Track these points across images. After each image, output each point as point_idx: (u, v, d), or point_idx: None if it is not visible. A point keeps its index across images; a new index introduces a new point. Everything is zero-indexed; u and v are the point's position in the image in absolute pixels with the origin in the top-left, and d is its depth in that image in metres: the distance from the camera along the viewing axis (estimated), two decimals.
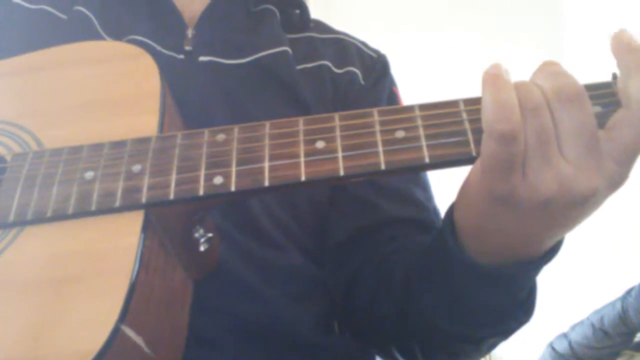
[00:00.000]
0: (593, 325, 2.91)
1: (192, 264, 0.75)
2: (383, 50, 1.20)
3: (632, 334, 2.89)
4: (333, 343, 0.98)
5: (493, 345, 0.81)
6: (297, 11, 1.13)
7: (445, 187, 1.08)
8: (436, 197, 1.05)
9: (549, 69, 0.64)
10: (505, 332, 0.76)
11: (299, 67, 1.05)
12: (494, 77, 0.62)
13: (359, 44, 1.17)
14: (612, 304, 2.92)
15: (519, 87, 0.62)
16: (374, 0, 3.65)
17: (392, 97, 1.12)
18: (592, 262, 3.10)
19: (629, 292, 2.89)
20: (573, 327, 3.01)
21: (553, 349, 3.03)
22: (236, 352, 0.87)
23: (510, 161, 0.60)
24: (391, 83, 1.15)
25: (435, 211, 1.03)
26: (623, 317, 2.85)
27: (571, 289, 3.11)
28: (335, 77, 1.08)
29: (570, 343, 2.97)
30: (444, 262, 0.74)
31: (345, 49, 1.14)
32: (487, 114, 0.61)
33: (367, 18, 3.34)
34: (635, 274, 2.93)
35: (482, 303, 0.74)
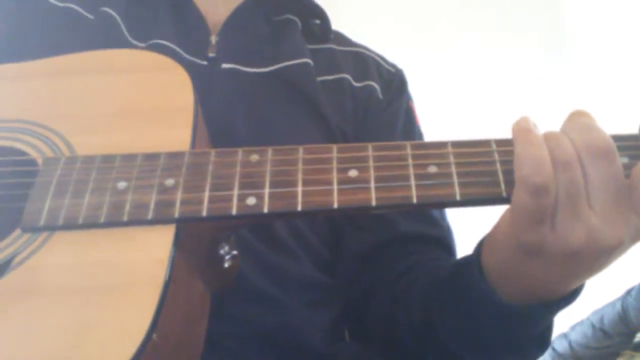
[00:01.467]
0: (593, 325, 2.92)
1: (213, 278, 0.76)
2: (382, 51, 1.21)
3: (632, 334, 2.90)
4: (344, 350, 0.99)
5: None
6: (318, 22, 1.14)
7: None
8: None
9: (580, 120, 0.65)
10: None
11: (320, 78, 1.07)
12: (525, 132, 0.64)
13: (378, 58, 1.18)
14: (612, 304, 2.92)
15: (550, 139, 0.64)
16: (377, 1, 3.62)
17: (409, 112, 1.14)
18: None
19: (629, 292, 2.89)
20: (573, 327, 3.02)
21: (553, 349, 3.04)
22: (249, 358, 0.88)
23: (540, 213, 0.62)
24: (408, 98, 1.16)
25: (448, 229, 1.05)
26: (623, 317, 2.86)
27: None
28: (354, 91, 1.09)
29: (570, 343, 2.99)
30: (467, 298, 0.75)
31: (365, 62, 1.15)
32: (520, 167, 0.62)
33: (369, 19, 3.33)
34: (635, 274, 2.93)
35: (501, 337, 0.75)
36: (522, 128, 0.65)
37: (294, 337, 0.92)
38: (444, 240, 1.02)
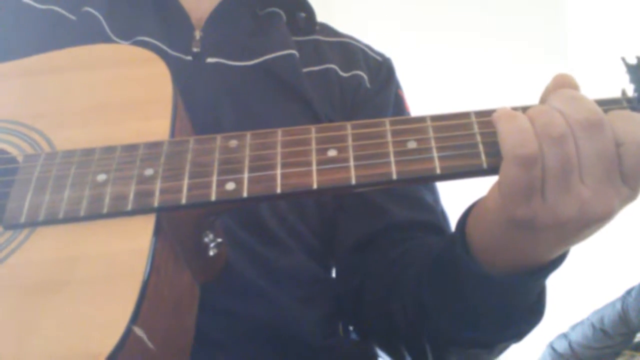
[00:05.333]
0: (593, 325, 2.92)
1: (200, 268, 0.75)
2: (383, 50, 1.21)
3: (632, 334, 2.90)
4: (337, 345, 0.98)
5: (505, 348, 0.82)
6: (303, 14, 1.14)
7: (450, 190, 1.09)
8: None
9: (567, 93, 0.64)
10: (518, 335, 0.77)
11: (306, 70, 1.06)
12: (506, 111, 0.65)
13: (364, 48, 1.18)
14: (612, 304, 2.92)
15: (541, 114, 0.63)
16: (374, 1, 3.64)
17: (398, 100, 1.13)
18: (592, 262, 3.11)
19: (629, 292, 2.90)
20: (573, 327, 3.03)
21: (553, 349, 3.04)
22: (241, 353, 0.88)
23: (530, 186, 0.61)
24: (397, 86, 1.16)
25: (443, 214, 1.04)
26: (623, 317, 2.86)
27: (571, 289, 3.11)
28: (341, 81, 1.09)
29: (570, 343, 2.98)
30: (455, 275, 0.75)
31: (351, 52, 1.15)
32: (506, 141, 0.62)
33: (367, 19, 3.34)
34: (635, 274, 2.94)
35: (493, 310, 0.75)
36: (502, 110, 0.65)
37: (286, 332, 0.92)
38: (438, 225, 1.01)
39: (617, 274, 3.19)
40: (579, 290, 3.25)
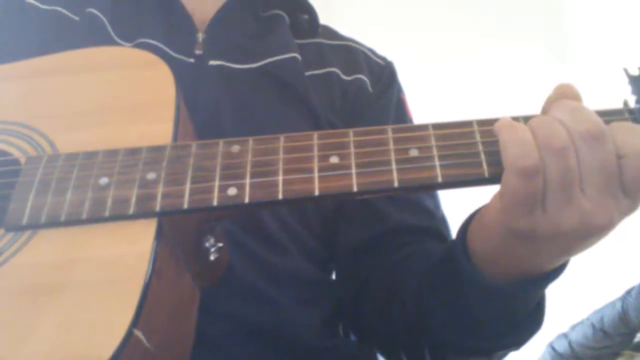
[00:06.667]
0: (593, 325, 2.91)
1: (201, 272, 0.75)
2: (384, 52, 1.21)
3: (632, 334, 2.89)
4: (337, 346, 0.99)
5: (504, 356, 0.82)
6: (306, 16, 1.14)
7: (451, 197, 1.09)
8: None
9: (569, 104, 0.64)
10: (516, 343, 0.78)
11: (308, 73, 1.06)
12: (507, 121, 0.65)
13: (367, 51, 1.18)
14: (612, 304, 2.92)
15: (542, 125, 0.63)
16: (374, 3, 3.63)
17: (400, 104, 1.13)
18: (592, 262, 3.11)
19: (629, 292, 2.89)
20: (573, 327, 3.02)
21: (553, 349, 3.03)
22: (242, 355, 0.88)
23: (532, 196, 0.61)
24: (399, 90, 1.16)
25: (443, 219, 1.05)
26: (623, 317, 2.85)
27: (571, 289, 3.11)
28: (343, 85, 1.09)
29: (570, 343, 2.98)
30: (456, 282, 0.75)
31: (354, 56, 1.15)
32: (509, 152, 0.62)
33: (367, 21, 3.34)
34: (635, 274, 2.93)
35: (493, 318, 0.75)
36: (504, 120, 0.65)
37: (287, 334, 0.92)
38: (438, 231, 1.02)
39: (617, 274, 3.19)
40: (579, 290, 3.24)
